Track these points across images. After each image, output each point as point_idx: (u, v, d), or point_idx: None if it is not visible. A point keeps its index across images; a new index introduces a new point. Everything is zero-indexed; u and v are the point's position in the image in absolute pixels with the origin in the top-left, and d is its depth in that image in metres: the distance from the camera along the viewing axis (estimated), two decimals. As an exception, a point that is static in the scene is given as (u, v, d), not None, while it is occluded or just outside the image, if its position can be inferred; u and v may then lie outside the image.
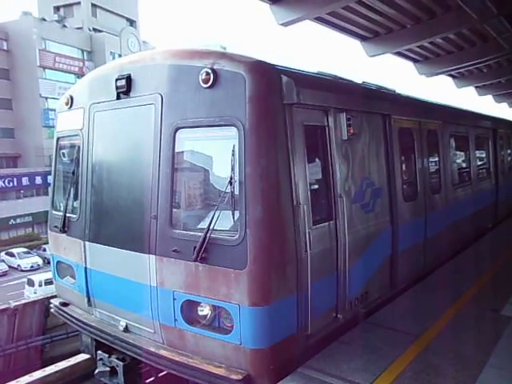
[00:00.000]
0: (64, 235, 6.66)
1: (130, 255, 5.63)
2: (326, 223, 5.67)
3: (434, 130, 8.92)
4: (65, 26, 58.70)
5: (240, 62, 4.86)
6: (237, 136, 4.72)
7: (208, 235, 4.81)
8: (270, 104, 4.84)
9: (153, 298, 5.42)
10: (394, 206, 7.11)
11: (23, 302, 16.13)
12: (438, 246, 8.84)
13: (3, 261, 41.23)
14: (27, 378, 9.05)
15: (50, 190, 7.42)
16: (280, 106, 4.93)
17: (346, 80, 6.69)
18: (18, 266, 40.09)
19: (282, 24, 12.60)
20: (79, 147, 6.43)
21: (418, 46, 16.75)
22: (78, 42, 59.76)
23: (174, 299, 5.20)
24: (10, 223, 48.27)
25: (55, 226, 6.77)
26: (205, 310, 5.10)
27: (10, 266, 40.45)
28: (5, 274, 39.21)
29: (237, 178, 4.70)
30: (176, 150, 5.21)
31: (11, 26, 54.03)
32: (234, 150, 4.72)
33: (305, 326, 5.17)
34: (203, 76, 4.88)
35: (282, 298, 4.86)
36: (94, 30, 62.91)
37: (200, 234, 4.88)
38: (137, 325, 5.71)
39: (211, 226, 4.79)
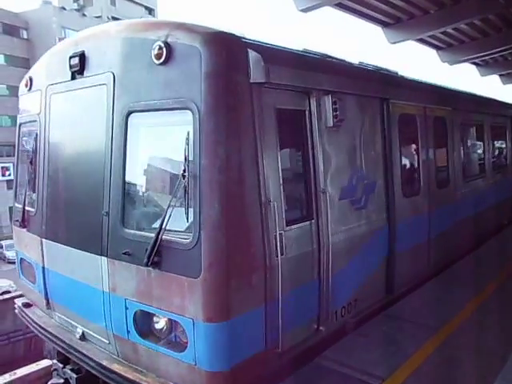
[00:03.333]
0: (24, 230, 6.08)
1: (84, 256, 5.01)
2: (306, 223, 4.95)
3: (443, 118, 8.01)
4: (84, 14, 58.75)
5: (196, 33, 4.11)
6: (192, 121, 4.01)
7: (160, 236, 4.13)
8: (232, 83, 4.09)
9: (106, 306, 4.80)
10: (391, 202, 6.33)
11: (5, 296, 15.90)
12: (445, 246, 8.01)
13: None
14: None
15: (14, 180, 6.84)
16: (245, 85, 4.17)
17: (335, 59, 5.87)
18: (5, 257, 38.89)
19: (301, 10, 12.14)
20: (37, 134, 5.81)
21: (441, 33, 15.98)
22: (96, 31, 59.58)
23: (127, 308, 4.56)
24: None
25: (16, 220, 6.20)
26: (160, 322, 4.43)
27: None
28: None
29: (191, 170, 4.00)
30: (129, 138, 4.53)
31: (31, 15, 54.15)
32: (188, 138, 4.01)
33: (275, 342, 4.47)
34: (156, 51, 4.16)
35: (245, 311, 4.15)
36: (113, 18, 62.52)
37: (153, 234, 4.21)
38: (92, 333, 5.11)
39: (163, 226, 4.11)
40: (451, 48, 18.38)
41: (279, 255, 4.39)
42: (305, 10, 12.17)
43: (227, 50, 4.10)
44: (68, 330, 5.45)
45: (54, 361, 5.59)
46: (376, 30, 15.12)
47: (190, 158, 3.98)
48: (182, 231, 4.16)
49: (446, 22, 14.15)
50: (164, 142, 4.48)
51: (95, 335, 5.06)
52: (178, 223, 4.14)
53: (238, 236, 4.10)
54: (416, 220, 7.01)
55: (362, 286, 5.87)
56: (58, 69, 5.40)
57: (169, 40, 4.14)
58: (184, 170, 3.99)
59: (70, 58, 5.05)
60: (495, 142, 11.32)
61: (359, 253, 5.73)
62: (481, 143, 10.23)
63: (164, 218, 4.10)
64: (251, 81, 4.20)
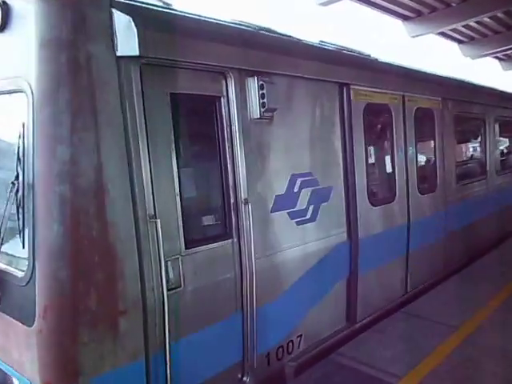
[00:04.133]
0: None
1: None
2: (220, 243, 3.79)
3: (429, 109, 6.68)
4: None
5: None
6: (26, 109, 2.90)
7: None
8: (82, 55, 2.91)
9: None
10: (353, 213, 5.12)
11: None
12: (430, 262, 6.77)
13: None
14: None
15: None
16: (107, 60, 3.01)
17: (275, 33, 4.64)
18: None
19: (321, 4, 12.07)
20: None
21: (463, 26, 15.44)
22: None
23: None
24: None
25: None
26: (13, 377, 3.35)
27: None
28: None
29: (25, 177, 2.90)
30: None
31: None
32: (22, 132, 2.91)
33: None
34: None
35: (108, 370, 3.02)
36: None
37: None
38: None
39: None
40: (473, 42, 17.82)
41: (164, 289, 3.25)
42: (324, 4, 12.04)
43: (74, 9, 2.92)
44: None
45: None
46: (396, 24, 14.68)
47: (24, 160, 2.89)
48: (24, 258, 3.06)
49: (468, 15, 13.68)
50: (5, 139, 3.36)
51: None
52: (19, 248, 3.06)
53: (92, 267, 2.95)
54: (389, 233, 5.75)
55: (309, 317, 4.71)
56: None
57: None
58: (16, 177, 2.91)
59: None
60: (501, 139, 9.89)
61: (304, 277, 4.56)
62: (482, 140, 8.79)
63: None
64: (118, 54, 3.05)
